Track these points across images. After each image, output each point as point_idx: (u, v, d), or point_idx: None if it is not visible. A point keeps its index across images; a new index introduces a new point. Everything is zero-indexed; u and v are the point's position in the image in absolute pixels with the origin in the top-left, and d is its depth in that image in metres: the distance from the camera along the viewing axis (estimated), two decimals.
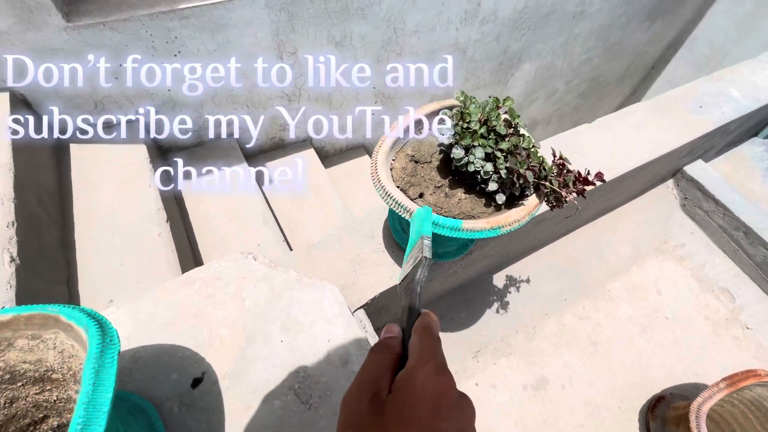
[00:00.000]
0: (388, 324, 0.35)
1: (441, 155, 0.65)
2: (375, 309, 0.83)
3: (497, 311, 1.12)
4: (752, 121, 1.38)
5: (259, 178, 1.98)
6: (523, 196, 0.61)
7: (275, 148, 2.16)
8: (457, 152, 0.57)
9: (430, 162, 0.65)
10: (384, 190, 0.58)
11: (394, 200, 0.58)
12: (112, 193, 1.38)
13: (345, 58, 1.87)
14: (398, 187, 0.62)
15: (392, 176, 0.63)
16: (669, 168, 1.28)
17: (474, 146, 0.57)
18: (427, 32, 1.99)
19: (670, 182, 1.37)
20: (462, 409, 0.29)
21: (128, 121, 1.56)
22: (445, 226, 0.55)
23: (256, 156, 2.12)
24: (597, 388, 1.06)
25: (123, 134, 1.52)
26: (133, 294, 1.20)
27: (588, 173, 0.62)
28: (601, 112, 3.92)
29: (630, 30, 2.92)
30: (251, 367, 0.61)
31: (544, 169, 0.57)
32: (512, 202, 0.62)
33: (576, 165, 1.02)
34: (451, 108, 0.65)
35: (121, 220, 1.33)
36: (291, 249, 1.70)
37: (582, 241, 1.25)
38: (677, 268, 1.28)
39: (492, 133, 0.58)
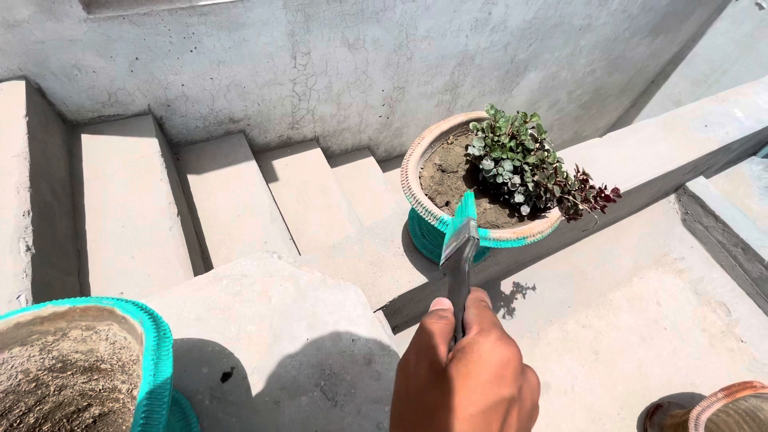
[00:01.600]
0: (437, 298, 0.35)
1: (467, 165, 0.68)
2: (391, 310, 0.85)
3: (504, 316, 1.15)
4: (753, 140, 1.42)
5: (267, 175, 1.99)
6: (545, 208, 0.64)
7: (283, 146, 2.18)
8: (487, 164, 0.59)
9: (456, 172, 0.68)
10: (414, 197, 0.61)
11: (423, 208, 0.60)
12: (123, 185, 1.38)
13: (357, 60, 1.89)
14: (426, 195, 0.64)
15: (421, 184, 0.65)
16: (672, 183, 1.32)
17: (503, 159, 0.59)
18: (438, 38, 2.02)
19: (672, 197, 1.41)
20: (527, 379, 0.29)
21: (141, 114, 1.57)
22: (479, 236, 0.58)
23: (264, 153, 2.13)
24: (598, 395, 1.09)
25: (135, 127, 1.52)
26: (144, 287, 1.22)
27: (605, 187, 0.65)
28: (602, 123, 3.98)
29: (633, 44, 2.97)
30: (279, 363, 0.62)
31: (569, 184, 0.60)
32: (534, 213, 0.64)
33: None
34: (479, 120, 0.68)
35: (132, 212, 1.34)
36: (297, 247, 1.71)
37: (586, 251, 1.28)
38: (676, 280, 1.32)
39: (520, 147, 0.61)
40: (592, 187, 0.61)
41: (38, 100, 1.32)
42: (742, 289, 1.30)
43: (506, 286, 1.18)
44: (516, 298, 1.18)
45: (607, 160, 1.08)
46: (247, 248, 1.60)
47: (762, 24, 2.94)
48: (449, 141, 0.70)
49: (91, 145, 1.45)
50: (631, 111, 4.08)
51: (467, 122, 0.68)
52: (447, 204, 0.66)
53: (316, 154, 2.20)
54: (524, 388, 0.28)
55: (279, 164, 2.13)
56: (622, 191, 1.03)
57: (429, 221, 0.60)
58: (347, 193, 2.19)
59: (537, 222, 0.61)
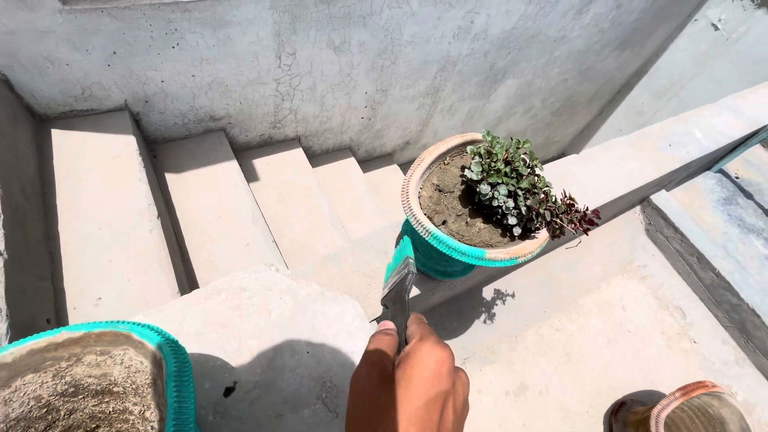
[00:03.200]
0: (383, 320, 0.42)
1: (463, 186, 0.71)
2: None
3: (485, 322, 1.21)
4: (708, 158, 1.55)
5: (247, 175, 1.96)
6: (535, 229, 0.69)
7: (264, 145, 2.15)
8: (485, 188, 0.63)
9: (453, 192, 0.71)
10: (415, 218, 0.64)
11: (424, 228, 0.63)
12: (98, 185, 1.33)
13: (342, 62, 1.89)
14: (425, 214, 0.67)
15: (420, 204, 0.68)
16: (639, 196, 1.42)
17: (499, 183, 0.63)
18: (422, 44, 2.05)
19: (638, 209, 1.52)
20: (460, 376, 0.34)
21: (117, 110, 1.50)
22: (471, 255, 0.61)
23: (244, 152, 2.10)
24: (569, 395, 1.18)
25: (110, 123, 1.46)
26: (123, 292, 1.18)
27: (587, 209, 0.70)
28: (571, 129, 4.17)
29: (603, 56, 3.13)
30: (280, 377, 0.64)
31: (557, 207, 0.65)
32: (524, 233, 0.69)
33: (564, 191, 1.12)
34: (473, 142, 0.71)
35: (109, 213, 1.29)
36: (279, 249, 1.70)
37: (561, 258, 1.36)
38: (639, 286, 1.43)
39: (514, 172, 0.65)
40: (577, 210, 0.66)
41: (5, 92, 1.24)
42: (696, 295, 1.42)
43: (488, 292, 1.24)
44: (497, 304, 1.24)
45: (583, 176, 1.15)
46: (229, 250, 1.58)
47: (716, 44, 3.17)
48: (446, 162, 0.73)
49: (62, 141, 1.38)
50: (598, 118, 4.30)
51: (463, 144, 0.72)
52: (444, 223, 0.69)
53: (297, 154, 2.19)
54: (457, 383, 0.34)
55: (260, 164, 2.10)
56: (598, 205, 1.11)
57: (426, 239, 0.64)
58: (328, 193, 2.19)
59: (527, 242, 0.66)
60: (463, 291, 1.19)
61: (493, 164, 0.63)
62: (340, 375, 0.66)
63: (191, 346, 0.63)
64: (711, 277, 1.36)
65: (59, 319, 1.07)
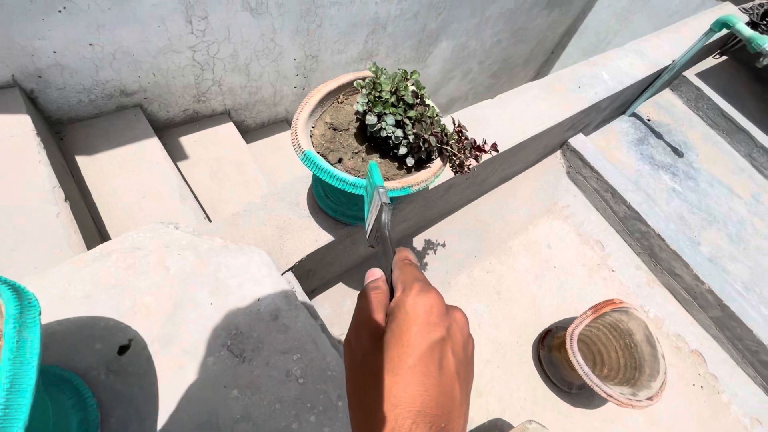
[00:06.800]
0: (370, 269, 0.37)
1: (357, 123, 0.71)
2: (303, 272, 0.88)
3: None
4: (619, 101, 1.65)
5: (175, 153, 1.85)
6: (429, 160, 0.70)
7: (190, 121, 2.03)
8: (371, 119, 0.63)
9: (348, 129, 0.70)
10: (305, 155, 0.62)
11: (314, 164, 0.62)
12: None
13: (262, 26, 1.80)
14: (318, 152, 0.66)
15: (312, 143, 0.67)
16: (557, 140, 1.49)
17: (385, 114, 0.63)
18: (347, 4, 1.99)
19: (558, 153, 1.60)
20: (454, 318, 0.31)
21: (3, 87, 1.35)
22: (361, 186, 0.61)
23: (168, 129, 1.97)
24: (500, 329, 1.25)
25: None
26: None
27: (485, 143, 0.72)
28: None
29: (533, 16, 3.19)
30: (181, 330, 0.62)
31: (446, 135, 0.66)
32: (420, 165, 0.70)
33: (481, 136, 1.15)
34: (364, 79, 0.70)
35: (6, 200, 1.17)
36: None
37: (488, 205, 1.42)
38: (563, 225, 1.52)
39: (401, 102, 0.65)
40: (466, 138, 0.67)
41: None
42: (612, 228, 1.54)
43: (418, 242, 1.27)
44: (428, 254, 1.27)
45: (498, 119, 1.19)
46: None
47: None
48: (339, 100, 0.72)
49: None
50: (536, 79, 4.43)
51: (354, 81, 0.71)
52: (340, 161, 0.68)
53: (228, 129, 2.09)
54: (452, 327, 0.30)
55: (187, 141, 1.98)
56: (511, 146, 1.15)
57: (323, 177, 0.63)
58: (266, 168, 2.13)
59: (422, 172, 0.67)
60: (393, 242, 1.21)
61: (378, 95, 0.63)
62: (246, 321, 0.65)
63: (79, 310, 0.60)
64: (624, 210, 1.47)
65: None
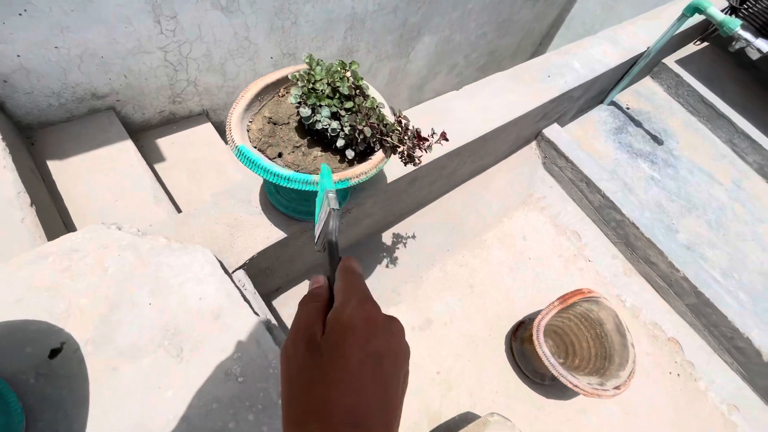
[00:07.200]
0: (314, 276, 0.37)
1: (298, 116, 0.70)
2: (259, 270, 0.87)
3: (387, 266, 1.23)
4: (594, 90, 1.63)
5: (151, 155, 1.84)
6: (371, 151, 0.69)
7: (166, 122, 2.01)
8: (304, 111, 0.62)
9: (288, 123, 0.69)
10: (238, 150, 0.61)
11: (248, 159, 0.61)
12: None
13: (235, 24, 1.78)
14: (255, 147, 0.65)
15: (249, 137, 0.66)
16: (530, 131, 1.48)
17: (320, 106, 0.62)
18: (322, 1, 1.98)
19: (534, 144, 1.58)
20: (390, 329, 0.31)
21: None
22: (297, 180, 0.60)
23: (145, 131, 1.96)
24: (473, 322, 1.24)
25: None
26: None
27: (433, 133, 0.71)
28: None
29: (517, 8, 3.17)
30: (117, 331, 0.61)
31: (384, 125, 0.65)
32: (364, 158, 0.69)
33: (447, 127, 1.14)
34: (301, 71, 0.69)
35: None
36: None
37: (460, 198, 1.41)
38: (539, 216, 1.51)
39: (338, 94, 0.64)
40: (407, 128, 0.66)
41: None
42: (589, 218, 1.53)
43: (387, 237, 1.26)
44: (398, 248, 1.26)
45: (463, 111, 1.17)
46: None
47: None
48: (280, 93, 0.71)
49: None
50: None
51: (291, 74, 0.69)
52: (280, 155, 0.67)
53: (206, 130, 2.07)
54: (390, 339, 0.31)
55: (164, 143, 1.97)
56: (476, 137, 1.13)
57: (255, 171, 0.62)
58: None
59: (361, 165, 0.66)
60: (359, 239, 1.20)
61: (311, 86, 0.62)
62: (186, 321, 0.64)
63: (9, 314, 0.59)
64: (599, 199, 1.46)
65: None
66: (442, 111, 1.15)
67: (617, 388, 0.97)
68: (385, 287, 1.21)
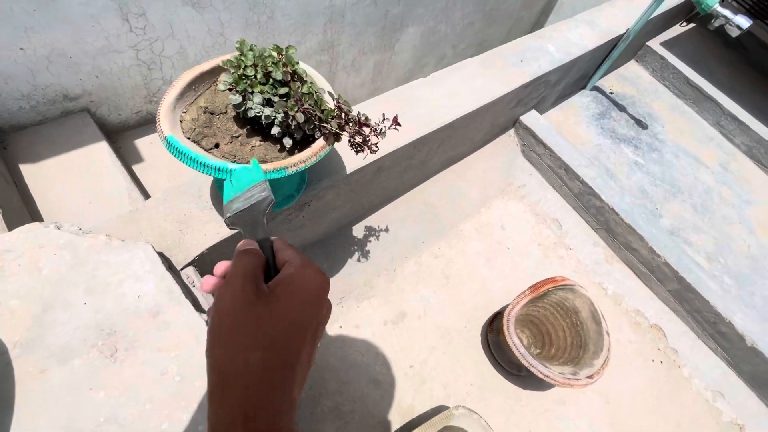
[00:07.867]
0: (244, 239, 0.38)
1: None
2: (208, 266, 0.84)
3: (359, 260, 1.21)
4: (574, 74, 1.60)
5: (130, 157, 1.83)
6: (312, 138, 0.66)
7: (144, 123, 1.99)
8: (234, 98, 0.59)
9: (226, 113, 0.67)
10: (167, 141, 0.59)
11: (177, 150, 0.59)
12: None
13: (208, 20, 1.75)
14: (189, 138, 0.63)
15: (182, 128, 0.63)
16: (506, 118, 1.45)
17: (252, 92, 0.59)
18: None
19: (512, 131, 1.55)
20: (328, 306, 0.36)
21: None
22: (224, 169, 0.58)
23: (122, 133, 1.94)
24: (447, 314, 1.21)
25: None
26: None
27: (384, 118, 0.68)
28: None
29: None
30: (48, 332, 0.59)
31: (322, 111, 0.62)
32: (305, 145, 0.66)
33: (412, 116, 1.11)
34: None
35: None
36: None
37: (436, 189, 1.38)
38: (518, 205, 1.48)
39: (271, 79, 0.61)
40: (346, 113, 0.63)
41: None
42: (569, 205, 1.49)
43: (359, 230, 1.23)
44: (370, 241, 1.24)
45: (430, 98, 1.14)
46: None
47: None
48: (217, 82, 0.69)
49: None
50: None
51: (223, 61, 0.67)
52: (216, 146, 0.65)
53: None
54: (328, 315, 0.36)
55: (143, 143, 1.95)
56: (443, 125, 1.11)
57: (184, 162, 0.59)
58: None
59: (301, 153, 0.63)
60: (328, 232, 1.17)
61: (243, 73, 0.59)
62: (122, 320, 0.62)
63: None
64: (578, 186, 1.42)
65: None
66: (407, 99, 1.12)
67: (590, 377, 0.95)
68: (357, 281, 1.18)
